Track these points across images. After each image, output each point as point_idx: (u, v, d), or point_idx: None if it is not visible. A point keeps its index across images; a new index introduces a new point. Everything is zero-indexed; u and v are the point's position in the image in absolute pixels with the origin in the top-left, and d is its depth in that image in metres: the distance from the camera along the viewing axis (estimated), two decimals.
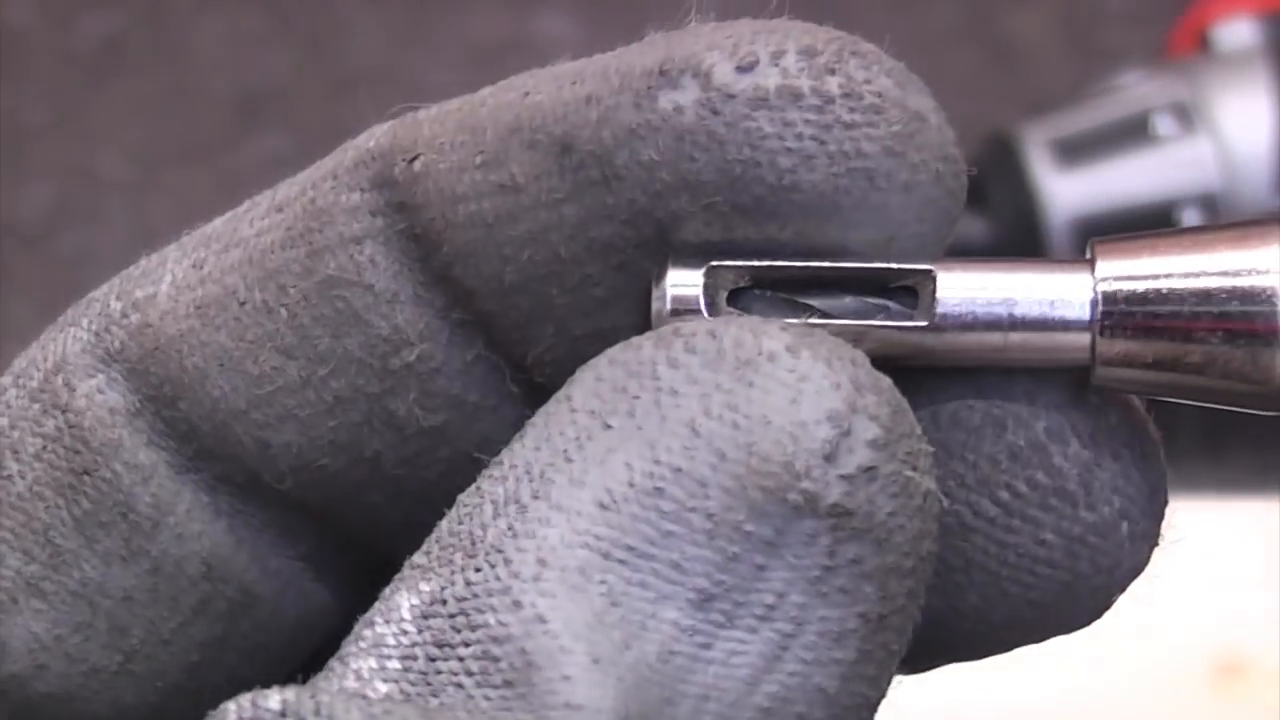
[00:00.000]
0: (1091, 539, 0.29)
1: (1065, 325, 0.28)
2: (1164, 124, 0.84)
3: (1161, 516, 0.30)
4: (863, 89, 0.27)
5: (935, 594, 0.28)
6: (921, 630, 0.28)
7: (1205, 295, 0.28)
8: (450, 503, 0.28)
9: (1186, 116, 0.84)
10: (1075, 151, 0.84)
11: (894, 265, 0.28)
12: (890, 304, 0.28)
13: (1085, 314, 0.28)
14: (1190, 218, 0.83)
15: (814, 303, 0.28)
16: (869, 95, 0.27)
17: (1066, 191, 0.84)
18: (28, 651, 0.31)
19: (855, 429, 0.26)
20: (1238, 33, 0.88)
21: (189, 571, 0.31)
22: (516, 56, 1.07)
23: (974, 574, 0.29)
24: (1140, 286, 0.28)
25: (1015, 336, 0.28)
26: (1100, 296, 0.28)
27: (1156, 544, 0.30)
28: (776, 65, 0.27)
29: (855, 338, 0.27)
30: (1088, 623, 0.30)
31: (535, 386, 0.30)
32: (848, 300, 0.28)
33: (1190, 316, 0.28)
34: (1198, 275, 0.28)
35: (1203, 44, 0.89)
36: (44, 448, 0.31)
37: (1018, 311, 0.28)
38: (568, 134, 0.28)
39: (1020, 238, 0.83)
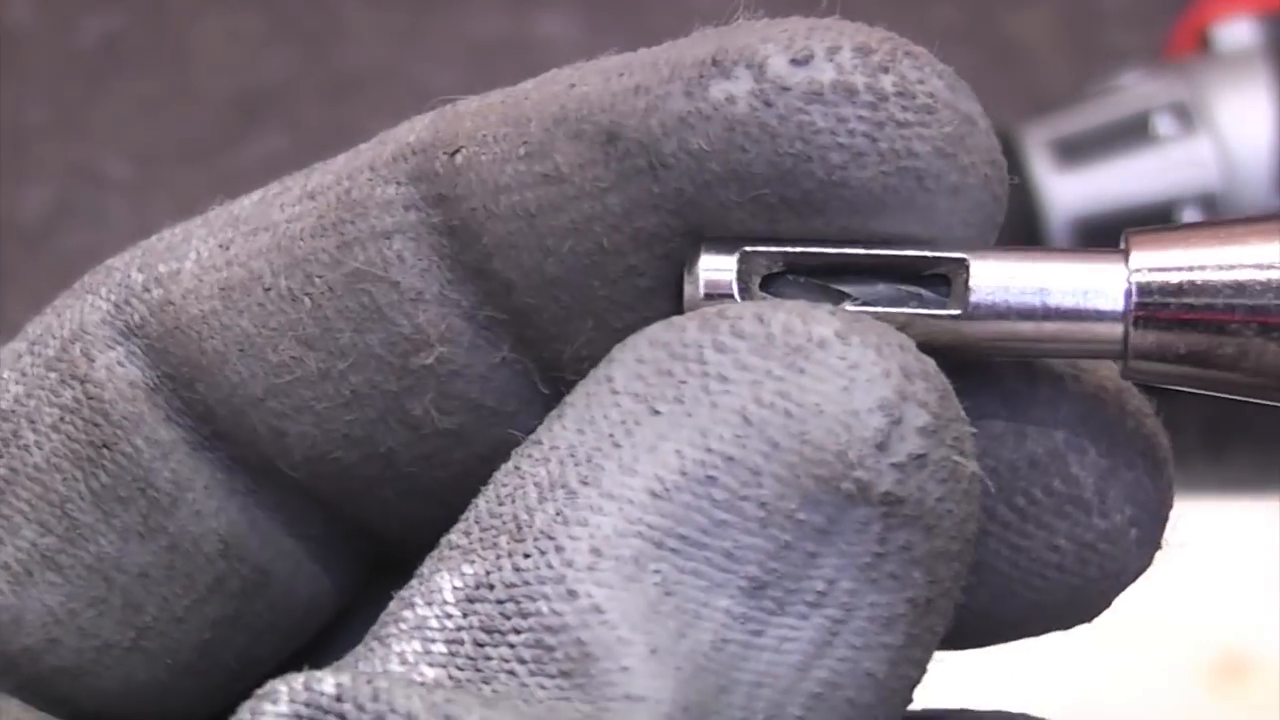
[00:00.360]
0: (1102, 545, 0.30)
1: (1099, 316, 0.28)
2: (1164, 124, 0.84)
3: (1167, 521, 0.31)
4: (916, 89, 0.27)
5: None
6: None
7: (1240, 288, 0.27)
8: (464, 503, 0.27)
9: (1186, 116, 0.84)
10: (1075, 151, 0.84)
11: (928, 253, 0.28)
12: (923, 292, 0.28)
13: (1119, 304, 0.28)
14: (1190, 218, 0.83)
15: (847, 289, 0.28)
16: (922, 95, 0.27)
17: (1066, 191, 0.84)
18: (41, 625, 0.31)
19: (906, 416, 0.26)
20: (1238, 33, 0.88)
21: (206, 549, 0.31)
22: (516, 56, 1.08)
23: (986, 575, 0.30)
24: (1174, 278, 0.28)
25: (1048, 326, 0.28)
26: (1134, 287, 0.28)
27: (1160, 548, 0.30)
28: (831, 60, 0.27)
29: (888, 323, 0.27)
30: (1088, 621, 0.31)
31: (568, 385, 0.29)
32: (881, 287, 0.28)
33: (1224, 309, 0.28)
34: (1232, 268, 0.28)
35: (1203, 44, 0.89)
36: (61, 418, 0.31)
37: (1051, 301, 0.28)
38: (614, 123, 0.28)
39: (1020, 237, 0.83)
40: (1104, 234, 0.83)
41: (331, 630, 0.33)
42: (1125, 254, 0.28)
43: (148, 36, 1.02)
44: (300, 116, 0.99)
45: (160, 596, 0.31)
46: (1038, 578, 0.30)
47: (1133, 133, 0.84)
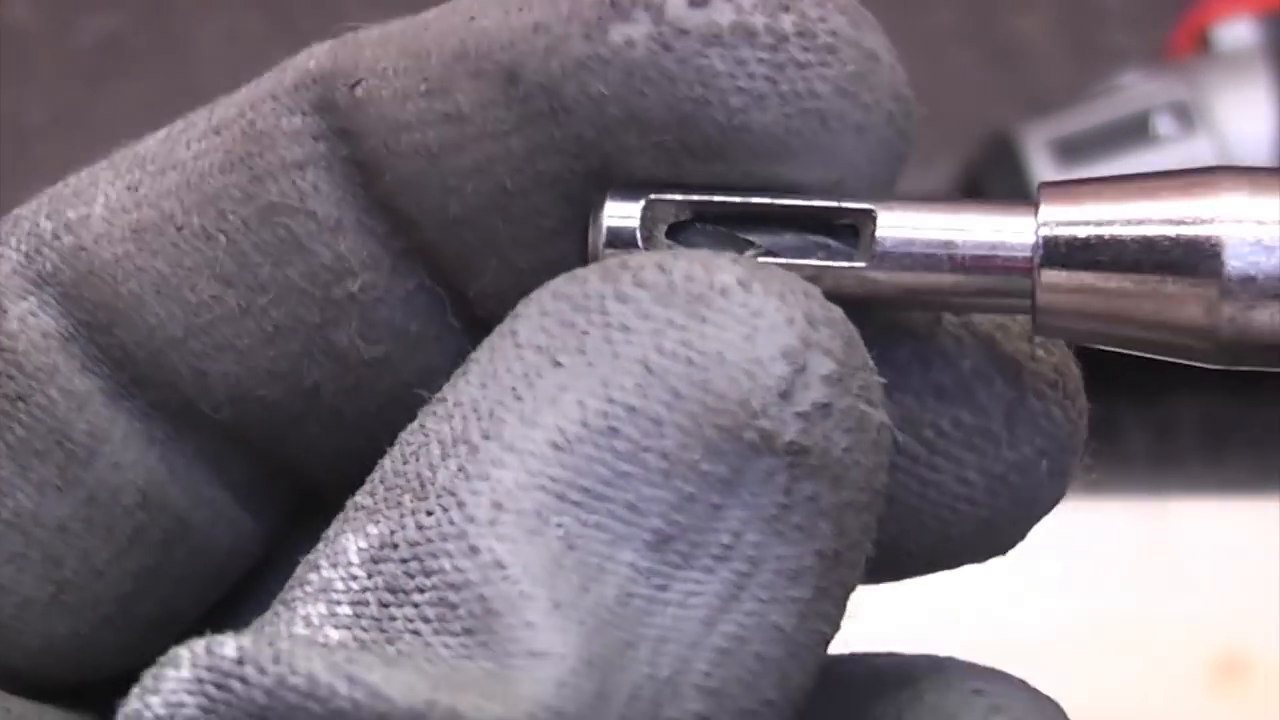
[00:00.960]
0: (1012, 477, 0.29)
1: (1006, 268, 0.27)
2: (1164, 124, 0.84)
3: (1079, 452, 0.30)
4: (817, 27, 0.27)
5: None
6: None
7: (1149, 243, 0.27)
8: (389, 434, 0.27)
9: (1186, 116, 0.84)
10: (1075, 151, 0.84)
11: (834, 203, 0.28)
12: (831, 242, 0.28)
13: (1025, 258, 0.27)
14: None
15: (754, 239, 0.28)
16: (823, 34, 0.27)
17: None
18: None
19: (810, 364, 0.25)
20: (1238, 33, 0.88)
21: (124, 501, 0.30)
22: None
23: (895, 508, 0.29)
24: (1083, 232, 0.27)
25: (956, 278, 0.27)
26: (1042, 241, 0.27)
27: (1072, 479, 0.30)
28: (730, 1, 0.27)
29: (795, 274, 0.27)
30: (1002, 553, 0.30)
31: (476, 320, 0.29)
32: (788, 237, 0.28)
33: (1133, 265, 0.27)
34: (1142, 223, 0.27)
35: (1203, 44, 0.89)
36: None
37: (958, 252, 0.27)
38: (515, 63, 0.27)
39: None
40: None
41: (257, 576, 0.33)
42: (1035, 206, 0.28)
43: (148, 36, 1.02)
44: None
45: (79, 550, 0.30)
46: (947, 510, 0.29)
47: (1133, 133, 0.84)
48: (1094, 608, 0.75)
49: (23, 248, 0.30)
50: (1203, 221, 0.27)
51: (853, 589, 0.27)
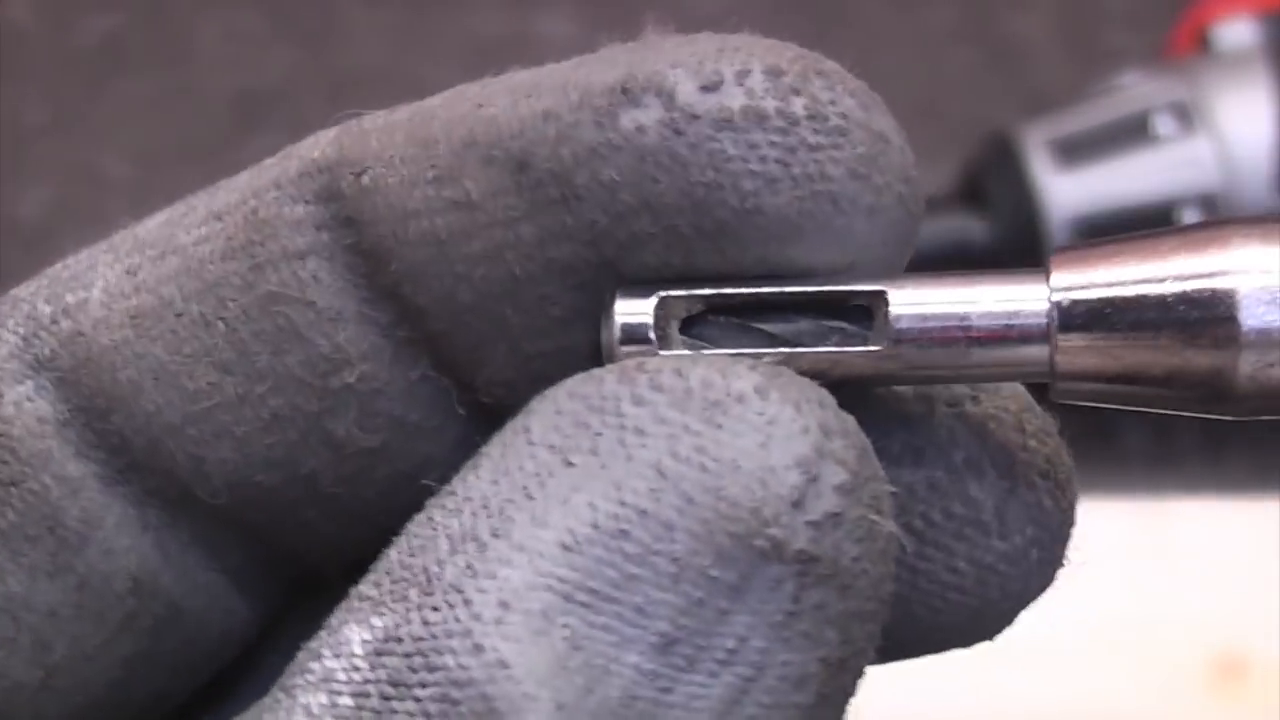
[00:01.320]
0: (1002, 567, 0.29)
1: (1022, 339, 0.27)
2: (1164, 124, 0.84)
3: (1069, 540, 0.30)
4: (828, 110, 0.27)
5: None
6: None
7: (1163, 303, 0.27)
8: (388, 520, 0.27)
9: (1186, 116, 0.84)
10: (1075, 151, 0.84)
11: (845, 287, 0.28)
12: (845, 325, 0.28)
13: (1042, 327, 0.27)
14: (1190, 218, 0.83)
15: (768, 328, 0.28)
16: (834, 117, 0.27)
17: (1066, 191, 0.84)
18: None
19: (823, 474, 0.25)
20: (1238, 33, 0.88)
21: (116, 587, 0.30)
22: (517, 56, 1.07)
23: None
24: (1095, 296, 0.27)
25: (973, 352, 0.28)
26: (1055, 309, 0.27)
27: (1061, 566, 0.30)
28: (741, 85, 0.27)
29: (812, 364, 0.27)
30: (989, 639, 0.31)
31: (483, 407, 0.29)
32: (802, 323, 0.28)
33: (1148, 325, 0.27)
34: (1155, 282, 0.27)
35: (1203, 44, 0.89)
36: None
37: (973, 327, 0.27)
38: (525, 150, 0.27)
39: (1020, 238, 0.83)
40: (1104, 234, 0.83)
41: (251, 655, 0.33)
42: (1046, 274, 0.28)
43: (148, 36, 1.02)
44: (300, 116, 0.99)
45: (70, 635, 0.30)
46: (937, 599, 0.30)
47: (1133, 133, 0.84)
48: (1093, 608, 0.75)
49: (20, 331, 0.30)
50: (1215, 276, 0.27)
51: (854, 695, 0.27)
